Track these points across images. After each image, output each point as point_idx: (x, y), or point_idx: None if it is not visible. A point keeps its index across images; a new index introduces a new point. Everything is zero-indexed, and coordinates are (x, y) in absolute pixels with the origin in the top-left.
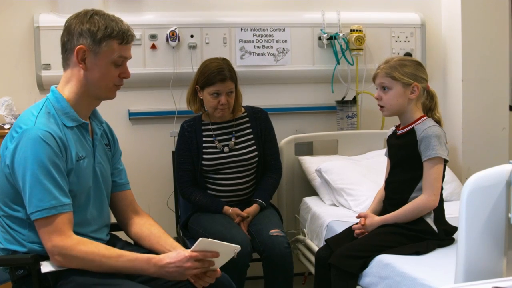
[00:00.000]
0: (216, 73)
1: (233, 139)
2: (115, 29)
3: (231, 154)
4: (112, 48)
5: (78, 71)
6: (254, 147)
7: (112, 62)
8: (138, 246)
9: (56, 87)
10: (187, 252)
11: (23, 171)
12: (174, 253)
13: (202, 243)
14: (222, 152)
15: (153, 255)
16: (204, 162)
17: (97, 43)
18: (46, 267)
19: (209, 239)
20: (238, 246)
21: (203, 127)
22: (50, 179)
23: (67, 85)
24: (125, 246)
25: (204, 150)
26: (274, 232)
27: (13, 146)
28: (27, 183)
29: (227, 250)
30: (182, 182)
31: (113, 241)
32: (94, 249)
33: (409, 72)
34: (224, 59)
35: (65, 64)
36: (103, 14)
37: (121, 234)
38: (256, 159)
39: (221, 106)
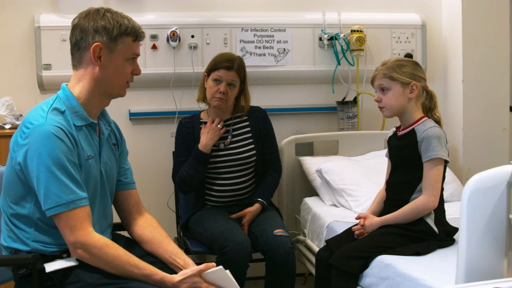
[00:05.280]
0: (225, 60)
1: (229, 137)
2: (128, 26)
3: (228, 152)
4: (127, 45)
5: (92, 69)
6: (252, 146)
7: (127, 59)
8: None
9: (66, 85)
10: (203, 285)
11: (38, 167)
12: (190, 283)
13: (216, 273)
14: (218, 149)
15: (165, 274)
16: None
17: (113, 40)
18: (50, 266)
19: (226, 273)
20: None
21: (201, 125)
22: (66, 173)
23: (78, 83)
24: (126, 245)
25: None
26: (279, 232)
27: (24, 142)
28: (42, 179)
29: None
30: (175, 173)
31: (116, 240)
32: (115, 253)
33: (407, 72)
34: (239, 56)
35: (78, 63)
36: (115, 12)
37: (123, 233)
38: (254, 158)
39: (218, 94)
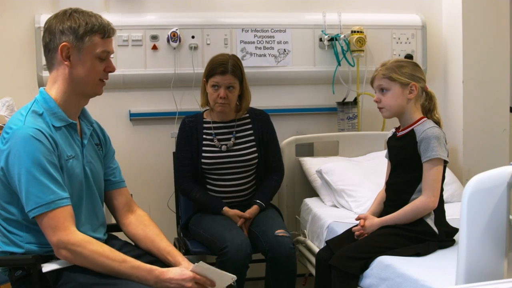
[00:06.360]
0: (218, 65)
1: (232, 139)
2: (95, 24)
3: (230, 154)
4: (95, 42)
5: (63, 70)
6: (254, 149)
7: (96, 56)
8: (137, 246)
9: (44, 88)
10: (190, 272)
11: (18, 170)
12: (178, 270)
13: (201, 266)
14: (221, 150)
15: (156, 266)
16: (203, 161)
17: (79, 39)
18: (46, 266)
19: (208, 265)
20: (235, 276)
21: (204, 125)
22: (46, 174)
23: (54, 85)
24: (124, 246)
25: (203, 148)
26: (280, 232)
27: (5, 147)
28: (23, 182)
29: (223, 278)
30: (181, 177)
31: (111, 241)
32: (99, 249)
33: (406, 72)
34: (233, 55)
35: (50, 65)
36: (82, 12)
37: (120, 235)
38: (256, 160)
39: (219, 100)
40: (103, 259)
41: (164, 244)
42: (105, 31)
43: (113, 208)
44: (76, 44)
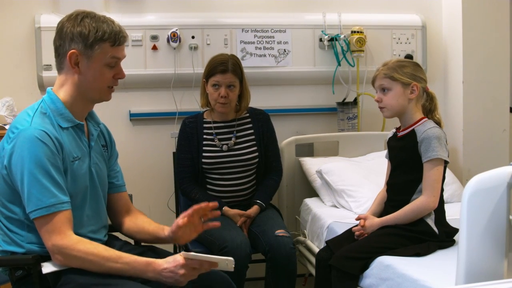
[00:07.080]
0: (219, 64)
1: (233, 139)
2: (106, 31)
3: (231, 153)
4: (105, 50)
5: (72, 75)
6: (254, 148)
7: (106, 64)
8: (137, 245)
9: (51, 88)
10: (182, 259)
11: (21, 171)
12: (171, 258)
13: (185, 253)
14: (221, 150)
15: (152, 259)
16: (203, 160)
17: (89, 47)
18: (47, 268)
19: (191, 252)
20: (231, 259)
21: (204, 125)
22: (48, 177)
23: (62, 87)
24: (124, 245)
25: (204, 148)
26: (280, 232)
27: (9, 146)
28: (25, 183)
29: (220, 262)
30: (182, 178)
31: (112, 242)
32: (93, 250)
33: (408, 72)
34: (232, 55)
35: (59, 68)
36: (94, 16)
37: (121, 235)
38: (257, 160)
39: (221, 99)
40: (98, 259)
41: (153, 227)
42: (116, 39)
43: (113, 211)
44: (85, 52)
